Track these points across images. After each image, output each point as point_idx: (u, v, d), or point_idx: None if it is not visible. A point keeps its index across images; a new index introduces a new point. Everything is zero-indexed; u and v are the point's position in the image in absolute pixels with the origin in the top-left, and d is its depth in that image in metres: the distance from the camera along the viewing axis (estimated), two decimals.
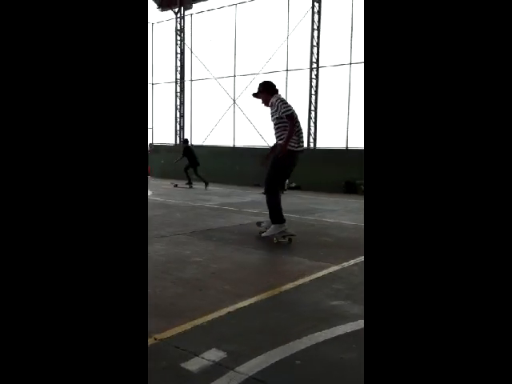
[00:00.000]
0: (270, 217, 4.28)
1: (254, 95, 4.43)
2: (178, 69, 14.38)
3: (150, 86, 14.86)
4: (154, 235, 4.40)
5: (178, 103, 14.50)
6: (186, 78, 14.28)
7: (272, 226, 4.27)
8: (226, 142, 13.06)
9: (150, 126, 14.84)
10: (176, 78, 14.43)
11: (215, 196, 8.77)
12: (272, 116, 4.23)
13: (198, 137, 13.91)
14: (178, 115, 14.53)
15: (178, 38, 14.27)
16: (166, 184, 11.31)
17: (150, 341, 1.99)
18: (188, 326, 2.17)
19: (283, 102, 4.19)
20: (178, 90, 14.45)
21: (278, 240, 4.21)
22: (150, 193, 8.92)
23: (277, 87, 4.38)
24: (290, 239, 4.24)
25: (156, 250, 3.79)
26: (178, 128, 14.56)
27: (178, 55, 14.34)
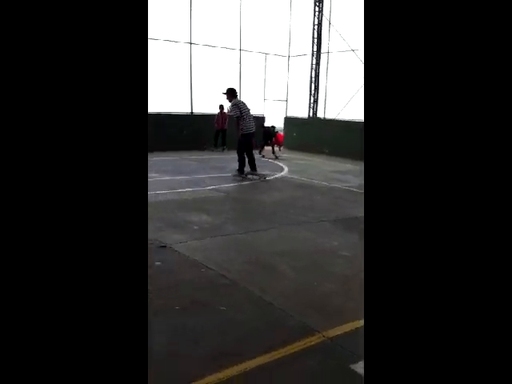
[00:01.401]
0: (238, 169, 7.56)
1: (224, 93, 7.55)
2: (315, 40, 14.29)
3: (286, 59, 15.08)
4: (301, 220, 4.70)
5: (313, 75, 14.50)
6: (322, 50, 14.15)
7: (237, 173, 7.55)
8: (360, 117, 12.79)
9: (284, 98, 15.16)
10: (312, 50, 14.38)
11: (349, 175, 8.79)
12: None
13: (331, 110, 13.86)
14: (313, 88, 14.57)
15: (317, 8, 14.09)
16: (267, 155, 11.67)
17: (319, 337, 2.27)
18: (348, 327, 2.39)
19: (233, 105, 7.30)
20: (314, 62, 14.41)
21: (252, 178, 7.40)
22: (285, 169, 9.31)
23: (237, 93, 7.53)
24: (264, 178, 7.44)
25: (306, 237, 4.08)
26: (311, 101, 14.64)
27: (316, 27, 14.21)
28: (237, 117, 7.29)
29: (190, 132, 12.59)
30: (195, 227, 4.26)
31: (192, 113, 13.14)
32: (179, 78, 13.11)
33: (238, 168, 7.59)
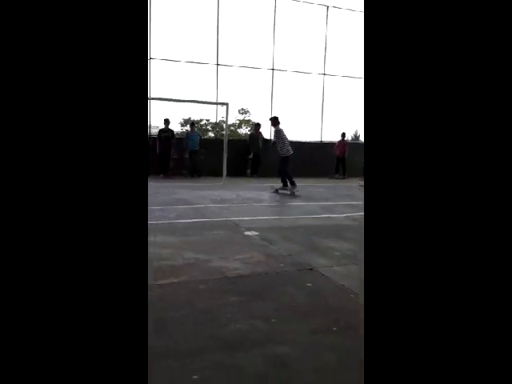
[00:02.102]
0: (282, 182, 9.03)
1: (270, 119, 9.41)
2: None
3: None
4: None
5: None
6: None
7: (282, 186, 9.01)
8: None
9: None
10: None
11: None
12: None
13: None
14: None
15: None
16: None
17: None
18: None
19: (276, 132, 9.02)
20: None
21: (291, 192, 8.80)
22: None
23: (279, 120, 9.11)
24: (293, 193, 8.70)
25: None
26: None
27: None
28: (274, 142, 9.10)
29: (317, 159, 12.83)
30: (337, 253, 4.33)
31: (321, 141, 13.40)
32: (312, 107, 13.54)
33: (282, 186, 9.04)
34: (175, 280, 3.32)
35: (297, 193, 8.79)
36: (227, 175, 10.39)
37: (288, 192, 8.82)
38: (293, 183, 8.86)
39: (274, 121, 9.12)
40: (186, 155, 11.78)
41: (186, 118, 15.83)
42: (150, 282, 3.26)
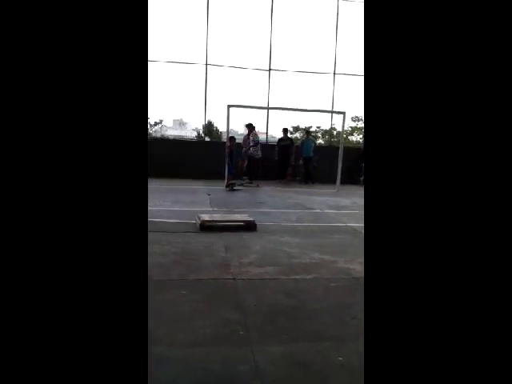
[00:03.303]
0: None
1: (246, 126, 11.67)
2: None
3: None
4: None
5: None
6: None
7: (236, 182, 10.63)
8: None
9: None
10: None
11: None
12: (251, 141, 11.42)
13: None
14: None
15: None
16: None
17: None
18: None
19: (254, 136, 11.42)
20: None
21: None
22: None
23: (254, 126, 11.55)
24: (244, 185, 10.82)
25: None
26: None
27: None
28: (256, 144, 11.21)
29: None
30: None
31: None
32: None
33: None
34: (307, 276, 3.65)
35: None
36: (340, 182, 10.54)
37: (253, 186, 10.79)
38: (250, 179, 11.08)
39: (250, 127, 11.24)
40: (301, 162, 12.17)
41: (295, 125, 16.36)
42: (285, 276, 3.64)
